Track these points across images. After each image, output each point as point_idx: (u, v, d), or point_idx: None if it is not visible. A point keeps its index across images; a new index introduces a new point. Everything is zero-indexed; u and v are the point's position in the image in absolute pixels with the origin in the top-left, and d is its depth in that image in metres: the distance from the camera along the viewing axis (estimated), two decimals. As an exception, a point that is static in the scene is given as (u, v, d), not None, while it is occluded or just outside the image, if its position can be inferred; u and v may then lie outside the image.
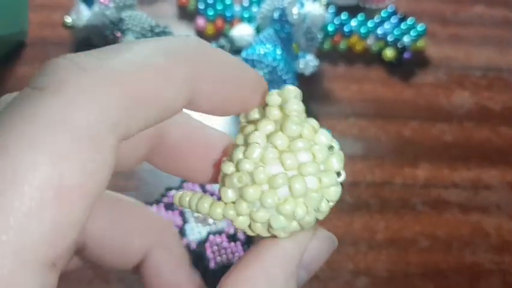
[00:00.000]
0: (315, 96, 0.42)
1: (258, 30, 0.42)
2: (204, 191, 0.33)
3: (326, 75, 0.44)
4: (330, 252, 0.14)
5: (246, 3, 0.46)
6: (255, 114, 0.14)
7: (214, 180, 0.15)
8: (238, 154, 0.13)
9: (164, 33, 0.38)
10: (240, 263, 0.13)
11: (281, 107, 0.14)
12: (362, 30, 0.45)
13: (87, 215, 0.10)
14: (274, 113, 0.14)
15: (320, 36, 0.41)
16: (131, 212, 0.16)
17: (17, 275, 0.09)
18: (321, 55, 0.43)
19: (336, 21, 0.45)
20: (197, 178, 0.15)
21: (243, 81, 0.13)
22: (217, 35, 0.45)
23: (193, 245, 0.32)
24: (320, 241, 0.14)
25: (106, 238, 0.15)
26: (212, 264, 0.31)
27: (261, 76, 0.14)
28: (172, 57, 0.11)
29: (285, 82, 0.38)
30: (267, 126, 0.13)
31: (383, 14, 0.47)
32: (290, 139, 0.13)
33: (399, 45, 0.45)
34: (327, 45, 0.45)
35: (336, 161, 0.14)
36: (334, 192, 0.14)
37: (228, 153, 0.14)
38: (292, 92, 0.14)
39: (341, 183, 0.14)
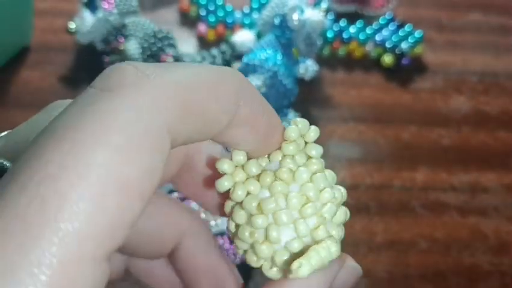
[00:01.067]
0: (314, 101, 0.43)
1: (259, 36, 0.43)
2: None
3: (325, 81, 0.45)
4: (355, 281, 0.15)
5: (246, 10, 0.47)
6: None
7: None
8: (250, 202, 0.14)
9: (167, 38, 0.39)
10: None
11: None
12: (361, 36, 0.46)
13: (142, 211, 0.11)
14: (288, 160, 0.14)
15: (319, 42, 0.42)
16: (163, 202, 0.16)
17: (78, 266, 0.10)
18: (320, 61, 0.43)
19: (335, 28, 0.46)
20: (214, 210, 0.16)
21: (272, 122, 0.14)
22: (218, 41, 0.46)
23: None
24: (346, 272, 0.15)
25: (142, 230, 0.15)
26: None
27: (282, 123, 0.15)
28: (222, 78, 0.13)
29: (285, 86, 0.38)
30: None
31: (381, 20, 0.48)
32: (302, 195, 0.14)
33: (397, 51, 0.46)
34: (326, 51, 0.46)
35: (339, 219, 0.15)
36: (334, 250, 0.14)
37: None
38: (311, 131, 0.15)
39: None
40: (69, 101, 0.12)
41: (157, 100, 0.11)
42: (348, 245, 0.35)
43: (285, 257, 0.14)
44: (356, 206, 0.37)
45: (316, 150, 0.15)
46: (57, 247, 0.09)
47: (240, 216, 0.14)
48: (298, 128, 0.15)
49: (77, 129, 0.10)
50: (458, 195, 0.39)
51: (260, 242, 0.14)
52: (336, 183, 0.15)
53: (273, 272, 0.14)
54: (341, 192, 0.15)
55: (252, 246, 0.14)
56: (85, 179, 0.10)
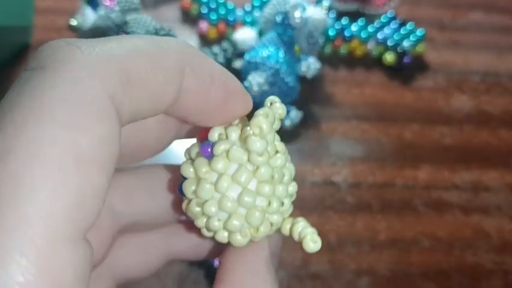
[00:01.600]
0: (316, 99, 0.43)
1: (261, 33, 0.43)
2: None
3: (327, 79, 0.45)
4: (279, 247, 0.16)
5: (248, 8, 0.47)
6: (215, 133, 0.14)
7: None
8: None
9: (168, 35, 0.39)
10: (223, 268, 0.14)
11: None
12: (363, 34, 0.46)
13: (107, 183, 0.10)
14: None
15: (321, 40, 0.42)
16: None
17: (53, 248, 0.09)
18: (322, 59, 0.43)
19: (337, 26, 0.46)
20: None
21: (229, 88, 0.14)
22: (219, 39, 0.45)
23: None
24: (272, 240, 0.15)
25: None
26: (217, 263, 0.31)
27: (246, 91, 0.15)
28: (164, 49, 0.12)
29: (287, 84, 0.38)
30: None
31: (382, 19, 0.47)
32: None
33: (399, 49, 0.45)
34: (328, 50, 0.46)
35: (283, 190, 0.14)
36: (276, 219, 0.15)
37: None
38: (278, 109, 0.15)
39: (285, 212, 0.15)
40: None
41: (92, 70, 0.10)
42: (350, 242, 0.35)
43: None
44: (358, 204, 0.37)
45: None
46: (25, 233, 0.09)
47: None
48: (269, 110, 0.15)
49: (15, 109, 0.10)
50: (460, 194, 0.39)
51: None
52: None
53: (239, 240, 0.14)
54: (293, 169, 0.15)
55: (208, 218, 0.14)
56: (36, 158, 0.09)
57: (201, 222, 0.14)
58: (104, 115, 0.10)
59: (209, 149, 0.14)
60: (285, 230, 0.15)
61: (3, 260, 0.09)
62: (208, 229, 0.14)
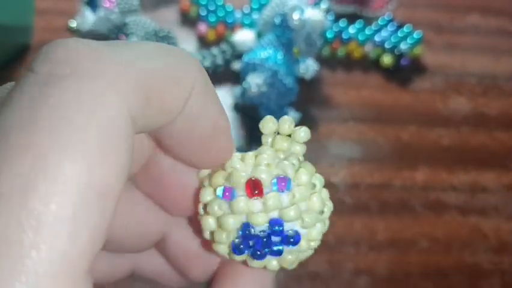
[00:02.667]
0: (314, 101, 0.43)
1: (259, 35, 0.43)
2: None
3: (325, 81, 0.45)
4: None
5: (246, 10, 0.47)
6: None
7: (191, 212, 0.15)
8: (219, 179, 0.13)
9: (168, 37, 0.39)
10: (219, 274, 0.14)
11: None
12: (360, 37, 0.46)
13: (114, 213, 0.10)
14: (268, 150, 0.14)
15: (319, 42, 0.42)
16: (140, 195, 0.15)
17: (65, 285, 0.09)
18: (320, 61, 0.43)
19: (335, 28, 0.46)
20: (176, 210, 0.15)
21: (220, 123, 0.13)
22: (218, 41, 0.46)
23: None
24: None
25: (126, 224, 0.14)
26: None
27: (231, 137, 0.14)
28: (181, 59, 0.11)
29: (285, 86, 0.38)
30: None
31: (380, 21, 0.48)
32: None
33: (396, 52, 0.46)
34: (326, 52, 0.46)
35: (317, 200, 0.13)
36: (316, 233, 0.14)
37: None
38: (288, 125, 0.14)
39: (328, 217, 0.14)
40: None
41: (117, 84, 0.09)
42: (349, 243, 0.35)
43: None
44: (356, 204, 0.37)
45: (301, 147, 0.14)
46: (43, 271, 0.08)
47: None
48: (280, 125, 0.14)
49: (32, 131, 0.09)
50: (458, 195, 0.39)
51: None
52: (332, 182, 0.15)
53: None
54: (320, 179, 0.14)
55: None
56: (57, 196, 0.09)
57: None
58: (124, 140, 0.10)
59: (227, 193, 0.13)
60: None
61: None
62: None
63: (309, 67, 0.40)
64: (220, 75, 0.43)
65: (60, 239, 0.09)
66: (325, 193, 0.14)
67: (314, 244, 0.14)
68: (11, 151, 0.09)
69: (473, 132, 0.43)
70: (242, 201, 0.13)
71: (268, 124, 0.14)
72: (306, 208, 0.13)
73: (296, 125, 0.14)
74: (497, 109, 0.45)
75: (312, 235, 0.13)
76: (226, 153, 0.13)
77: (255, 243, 0.13)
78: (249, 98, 0.39)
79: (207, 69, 0.42)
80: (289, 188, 0.13)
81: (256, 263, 0.13)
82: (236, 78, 0.42)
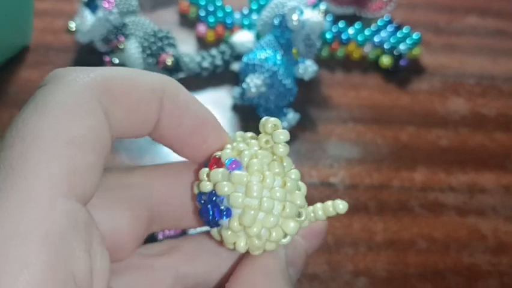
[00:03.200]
0: (313, 101, 0.43)
1: (258, 36, 0.43)
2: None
3: (324, 82, 0.45)
4: (307, 252, 0.17)
5: (245, 11, 0.47)
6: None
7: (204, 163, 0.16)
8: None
9: (167, 38, 0.39)
10: (238, 270, 0.15)
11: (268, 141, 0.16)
12: (359, 38, 0.46)
13: (100, 162, 0.13)
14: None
15: (318, 43, 0.42)
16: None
17: (50, 203, 0.12)
18: (319, 62, 0.43)
19: (334, 29, 0.46)
20: (193, 156, 0.17)
21: (202, 117, 0.16)
22: (217, 42, 0.46)
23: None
24: (293, 250, 0.17)
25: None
26: (160, 237, 0.31)
27: (220, 126, 0.16)
28: (142, 75, 0.15)
29: (285, 86, 0.39)
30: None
31: (379, 22, 0.48)
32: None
33: (395, 53, 0.46)
34: (325, 53, 0.46)
35: (300, 199, 0.15)
36: (292, 228, 0.15)
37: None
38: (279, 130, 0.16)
39: (300, 226, 0.15)
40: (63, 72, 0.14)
41: (83, 82, 0.13)
42: (347, 244, 0.35)
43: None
44: (355, 205, 0.37)
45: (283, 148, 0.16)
46: (30, 191, 0.11)
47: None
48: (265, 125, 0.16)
49: (24, 110, 0.13)
50: (456, 196, 0.39)
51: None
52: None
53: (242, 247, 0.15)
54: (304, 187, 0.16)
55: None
56: (39, 143, 0.12)
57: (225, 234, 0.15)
58: (93, 111, 0.13)
59: (234, 165, 0.15)
60: (314, 214, 0.16)
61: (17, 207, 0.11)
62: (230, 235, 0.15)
63: (308, 68, 0.40)
64: (220, 76, 0.43)
65: (42, 169, 0.12)
66: (302, 199, 0.15)
67: (280, 238, 0.15)
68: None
69: (472, 133, 0.43)
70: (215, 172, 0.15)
71: (267, 125, 0.15)
72: (269, 194, 0.15)
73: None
74: (495, 110, 0.45)
75: (287, 226, 0.15)
76: (219, 141, 0.16)
77: (202, 209, 0.15)
78: (248, 98, 0.39)
79: (206, 69, 0.42)
80: (240, 169, 0.15)
81: (213, 232, 0.16)
82: (235, 79, 0.42)
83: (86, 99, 0.13)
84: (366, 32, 0.47)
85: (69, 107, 0.13)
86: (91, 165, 0.12)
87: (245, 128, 0.41)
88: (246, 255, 0.16)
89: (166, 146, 0.16)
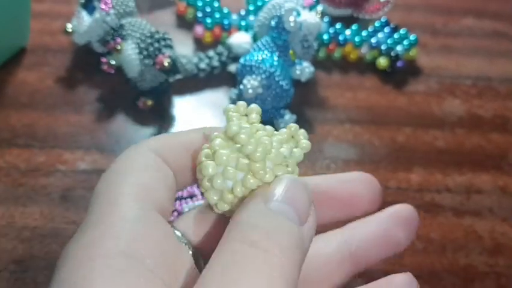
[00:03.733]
0: (310, 103, 0.43)
1: (255, 38, 0.43)
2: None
3: (321, 83, 0.45)
4: (305, 188, 0.18)
5: (243, 13, 0.47)
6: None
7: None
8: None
9: (164, 39, 0.39)
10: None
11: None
12: (356, 39, 0.47)
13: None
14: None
15: (315, 44, 0.42)
16: None
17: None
18: (316, 63, 0.44)
19: (331, 31, 0.46)
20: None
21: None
22: (215, 43, 0.46)
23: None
24: (284, 182, 0.17)
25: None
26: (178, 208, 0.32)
27: None
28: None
29: (282, 88, 0.39)
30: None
31: (376, 24, 0.48)
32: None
33: (392, 54, 0.46)
34: (322, 54, 0.46)
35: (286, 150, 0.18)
36: (252, 182, 0.17)
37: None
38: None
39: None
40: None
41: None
42: (344, 245, 0.35)
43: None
44: (351, 206, 0.37)
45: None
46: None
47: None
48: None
49: (101, 191, 0.18)
50: (453, 197, 0.39)
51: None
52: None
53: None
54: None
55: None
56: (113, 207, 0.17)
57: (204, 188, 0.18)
58: (153, 165, 0.18)
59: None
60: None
61: None
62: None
63: (305, 69, 0.40)
64: (217, 77, 0.43)
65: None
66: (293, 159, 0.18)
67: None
68: None
69: (468, 134, 0.43)
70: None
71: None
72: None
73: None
74: (492, 111, 0.45)
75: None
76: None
77: None
78: (246, 100, 0.39)
79: (203, 71, 0.42)
80: None
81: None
82: (232, 80, 0.43)
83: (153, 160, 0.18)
84: (363, 34, 0.47)
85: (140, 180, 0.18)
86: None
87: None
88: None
89: None
